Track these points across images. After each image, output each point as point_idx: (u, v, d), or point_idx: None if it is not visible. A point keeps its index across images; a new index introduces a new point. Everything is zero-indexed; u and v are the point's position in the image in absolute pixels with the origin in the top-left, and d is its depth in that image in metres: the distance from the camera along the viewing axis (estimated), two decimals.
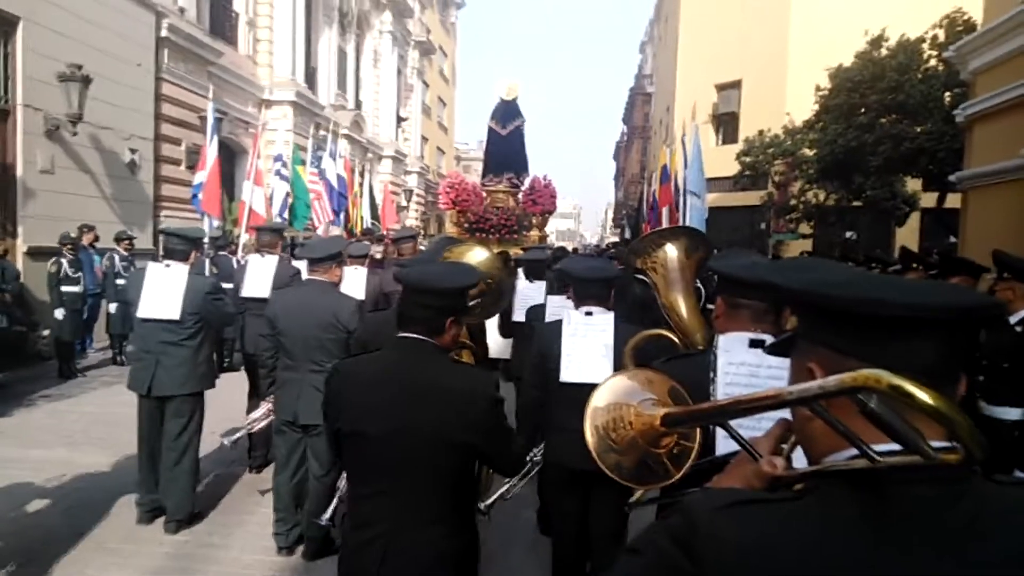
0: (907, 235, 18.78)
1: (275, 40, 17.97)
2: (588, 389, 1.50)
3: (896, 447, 0.81)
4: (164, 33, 12.41)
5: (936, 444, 0.79)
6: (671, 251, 2.71)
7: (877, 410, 0.77)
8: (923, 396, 0.74)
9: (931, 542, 0.79)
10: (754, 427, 1.27)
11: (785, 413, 1.01)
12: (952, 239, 13.44)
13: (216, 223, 11.03)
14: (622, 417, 1.35)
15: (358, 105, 24.87)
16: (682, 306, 2.65)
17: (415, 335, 2.07)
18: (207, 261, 9.15)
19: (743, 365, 1.87)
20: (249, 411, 5.61)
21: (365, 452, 2.04)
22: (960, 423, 0.76)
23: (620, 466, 1.34)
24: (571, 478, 3.10)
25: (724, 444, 1.57)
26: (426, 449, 1.96)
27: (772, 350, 1.08)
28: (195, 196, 10.71)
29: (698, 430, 1.42)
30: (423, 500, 1.99)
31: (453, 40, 43.20)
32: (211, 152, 10.50)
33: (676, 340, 2.61)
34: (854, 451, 0.85)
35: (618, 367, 3.00)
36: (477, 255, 2.99)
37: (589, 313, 3.17)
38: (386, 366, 2.09)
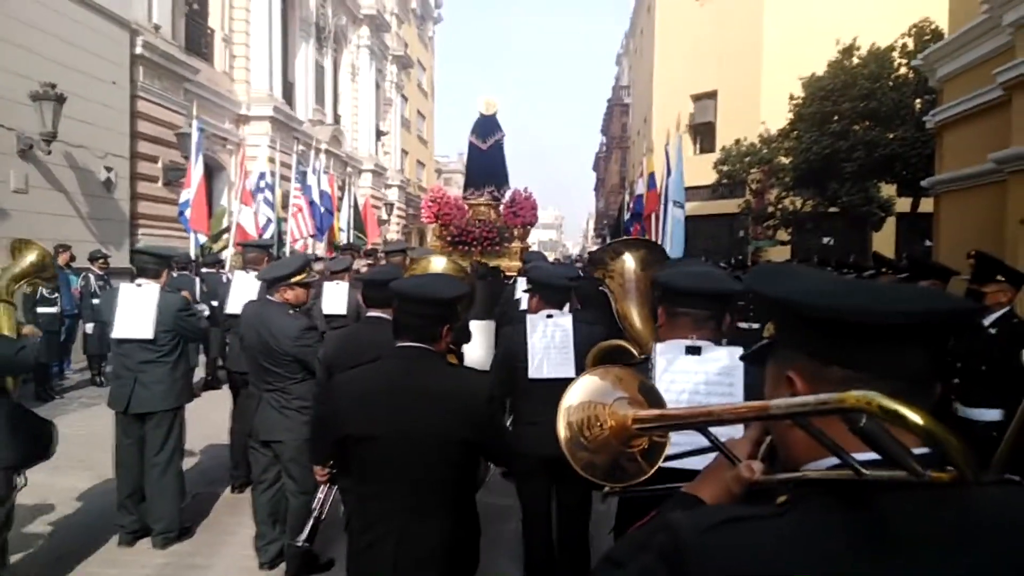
0: (883, 240, 19.03)
1: (251, 56, 17.93)
2: (553, 383, 1.52)
3: (878, 456, 0.81)
4: (139, 50, 12.34)
5: (917, 451, 0.79)
6: (629, 261, 2.79)
7: (868, 430, 0.78)
8: (914, 418, 0.74)
9: (922, 550, 0.79)
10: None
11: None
12: (928, 243, 13.65)
13: (203, 240, 11.04)
14: (596, 416, 1.35)
15: (337, 120, 24.83)
16: (635, 315, 2.73)
17: (414, 343, 2.21)
18: (197, 280, 9.09)
19: (681, 372, 1.93)
20: (232, 428, 5.58)
21: (373, 455, 2.16)
22: (952, 444, 0.75)
23: (593, 465, 1.35)
24: (539, 464, 3.34)
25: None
26: (431, 448, 2.11)
27: (749, 359, 1.08)
28: (182, 214, 10.75)
29: None
30: (429, 496, 2.14)
31: (431, 54, 43.29)
32: (196, 170, 10.51)
33: (633, 350, 2.67)
34: (835, 460, 0.85)
35: (579, 365, 3.14)
36: (438, 263, 3.17)
37: (550, 315, 3.46)
38: (389, 373, 2.21)
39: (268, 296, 4.13)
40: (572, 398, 1.39)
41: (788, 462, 0.96)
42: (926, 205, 13.74)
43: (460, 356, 2.93)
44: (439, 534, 2.13)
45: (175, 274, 9.09)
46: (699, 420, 1.10)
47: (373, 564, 2.13)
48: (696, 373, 1.91)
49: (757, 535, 0.84)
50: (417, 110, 39.52)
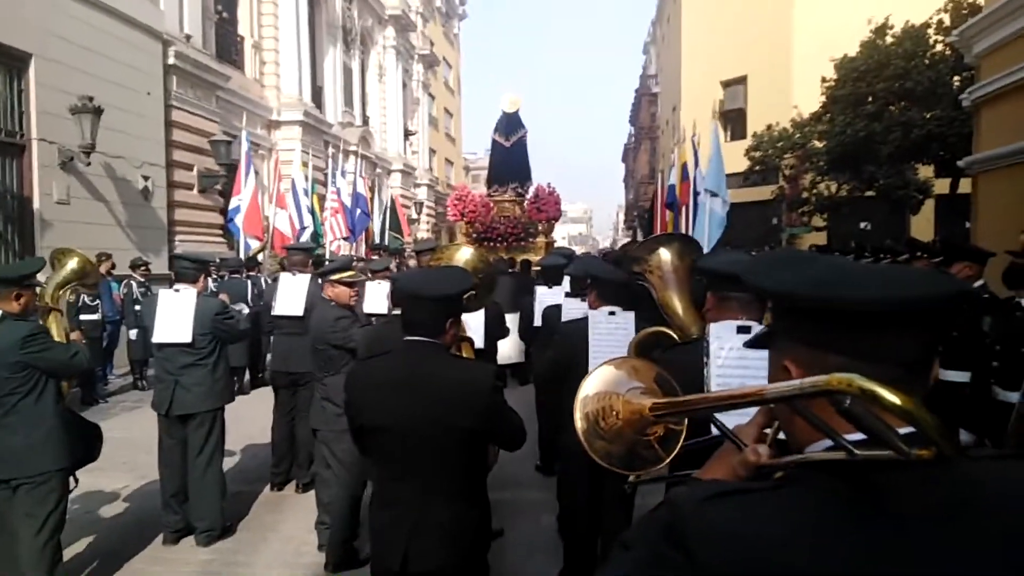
0: (922, 223, 18.59)
1: (281, 62, 18.20)
2: None
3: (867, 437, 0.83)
4: (172, 61, 12.59)
5: (904, 431, 0.81)
6: (664, 255, 2.92)
7: (852, 410, 0.80)
8: (892, 399, 0.77)
9: (909, 523, 0.80)
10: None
11: None
12: (968, 225, 13.31)
13: (255, 244, 11.39)
14: (611, 406, 1.38)
15: (365, 121, 25.07)
16: (677, 304, 2.85)
17: (419, 338, 2.30)
18: (249, 283, 9.43)
19: (733, 349, 2.06)
20: (274, 426, 5.75)
21: (385, 443, 2.29)
22: (928, 423, 0.78)
23: (609, 454, 1.38)
24: (585, 459, 3.32)
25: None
26: (437, 436, 2.21)
27: (752, 344, 1.10)
28: (231, 220, 11.19)
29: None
30: (439, 479, 2.24)
31: (457, 51, 43.43)
32: (248, 177, 10.95)
33: (674, 335, 2.80)
34: (831, 442, 0.87)
35: None
36: (464, 253, 3.33)
37: (612, 312, 3.44)
38: (396, 366, 2.32)
39: (322, 294, 4.65)
40: (588, 389, 1.42)
41: (792, 446, 0.98)
42: (966, 186, 13.42)
43: (493, 350, 3.05)
44: (450, 517, 2.24)
45: (218, 278, 9.44)
46: (707, 406, 1.12)
47: (390, 542, 2.25)
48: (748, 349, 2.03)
49: (753, 505, 0.86)
50: (444, 108, 39.71)
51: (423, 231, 30.43)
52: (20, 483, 3.40)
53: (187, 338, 4.42)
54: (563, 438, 3.67)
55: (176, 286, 4.57)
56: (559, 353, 3.72)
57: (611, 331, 3.43)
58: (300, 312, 5.64)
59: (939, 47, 15.14)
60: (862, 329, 0.85)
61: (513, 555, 4.29)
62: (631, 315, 3.45)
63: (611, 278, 3.55)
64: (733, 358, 2.02)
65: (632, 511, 3.64)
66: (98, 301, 9.04)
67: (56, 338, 3.70)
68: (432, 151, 35.51)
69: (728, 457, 1.09)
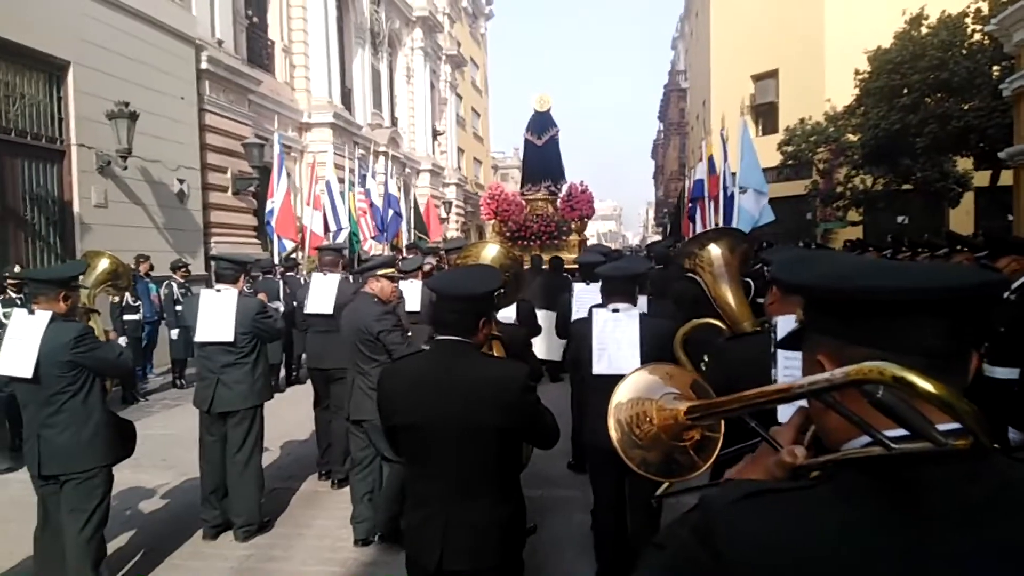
0: (962, 216, 18.20)
1: (311, 65, 18.39)
2: (618, 378, 1.53)
3: (905, 431, 0.81)
4: (204, 65, 12.80)
5: (944, 427, 0.78)
6: (715, 250, 2.91)
7: (885, 400, 0.78)
8: (927, 386, 0.74)
9: (947, 522, 0.78)
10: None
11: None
12: (1010, 217, 12.97)
13: (289, 245, 11.62)
14: (645, 412, 1.35)
15: (394, 122, 25.23)
16: (731, 298, 2.84)
17: (451, 337, 2.31)
18: (280, 282, 9.62)
19: None
20: (317, 420, 5.94)
21: (416, 441, 2.31)
22: (966, 411, 0.75)
23: (646, 461, 1.35)
24: (609, 458, 3.34)
25: (786, 411, 1.59)
26: (468, 435, 2.21)
27: (783, 344, 1.09)
28: (268, 223, 11.48)
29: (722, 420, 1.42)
30: (472, 478, 2.25)
31: (484, 51, 43.50)
32: (281, 180, 11.33)
33: (724, 327, 2.80)
34: (868, 438, 0.85)
35: (646, 358, 3.14)
36: (491, 251, 3.37)
37: (616, 310, 3.41)
38: (428, 366, 2.34)
39: (362, 289, 4.71)
40: (621, 395, 1.40)
41: (828, 444, 0.97)
42: (1007, 178, 13.07)
43: (506, 343, 3.09)
44: (484, 514, 2.25)
45: (259, 277, 9.64)
46: (740, 405, 1.10)
47: (425, 540, 2.26)
48: None
49: (786, 505, 0.85)
50: (472, 108, 39.80)
51: (452, 230, 30.54)
52: (68, 479, 3.50)
53: (229, 337, 4.50)
54: (587, 436, 3.66)
55: (217, 286, 4.67)
56: (572, 350, 3.75)
57: (612, 328, 3.40)
58: (330, 310, 5.75)
59: (977, 36, 14.78)
60: (884, 320, 0.84)
61: (545, 553, 4.28)
62: (635, 311, 3.42)
63: (614, 274, 3.55)
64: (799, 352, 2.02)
65: (660, 513, 3.61)
66: (138, 302, 9.23)
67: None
68: (460, 150, 35.63)
69: (764, 459, 1.07)
